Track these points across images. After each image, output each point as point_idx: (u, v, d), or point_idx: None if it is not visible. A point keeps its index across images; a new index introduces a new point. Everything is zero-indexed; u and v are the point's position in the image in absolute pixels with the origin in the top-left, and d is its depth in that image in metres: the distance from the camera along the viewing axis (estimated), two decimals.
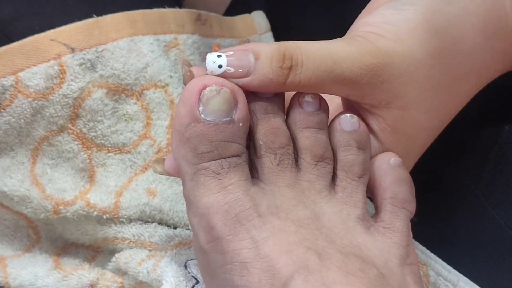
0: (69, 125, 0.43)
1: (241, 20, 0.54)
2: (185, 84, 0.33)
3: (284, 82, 0.32)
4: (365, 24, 0.34)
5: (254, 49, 0.32)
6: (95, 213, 0.43)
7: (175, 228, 0.44)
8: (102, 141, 0.44)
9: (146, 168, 0.45)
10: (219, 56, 0.32)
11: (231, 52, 0.32)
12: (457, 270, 0.41)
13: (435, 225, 0.43)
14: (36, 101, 0.42)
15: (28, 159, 0.43)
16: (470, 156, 0.43)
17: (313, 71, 0.32)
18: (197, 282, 0.37)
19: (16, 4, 0.44)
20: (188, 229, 0.44)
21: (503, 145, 0.40)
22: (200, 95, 0.31)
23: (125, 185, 0.44)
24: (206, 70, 0.32)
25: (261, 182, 0.33)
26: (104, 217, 0.43)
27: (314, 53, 0.32)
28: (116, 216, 0.43)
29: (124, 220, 0.44)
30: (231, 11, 0.58)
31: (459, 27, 0.34)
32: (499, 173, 0.40)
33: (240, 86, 0.32)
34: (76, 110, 0.43)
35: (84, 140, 0.43)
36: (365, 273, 0.30)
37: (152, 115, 0.45)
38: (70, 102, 0.42)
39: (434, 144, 0.37)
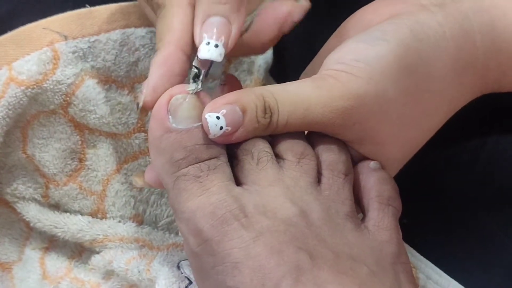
0: (61, 111, 0.42)
1: None
2: None
3: (266, 129, 0.33)
4: (337, 61, 0.34)
5: (239, 103, 0.32)
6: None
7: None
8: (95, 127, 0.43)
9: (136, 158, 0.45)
10: (217, 117, 0.32)
11: (225, 111, 0.32)
12: (447, 274, 0.41)
13: (425, 228, 0.44)
14: (29, 90, 0.41)
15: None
16: (460, 160, 0.43)
17: (288, 117, 0.32)
18: (190, 282, 0.37)
19: (13, 1, 0.44)
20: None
21: (494, 148, 0.41)
22: (168, 106, 0.32)
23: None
24: (209, 133, 0.32)
25: (244, 185, 0.32)
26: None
27: (288, 100, 0.32)
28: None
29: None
30: None
31: (430, 65, 0.35)
32: (490, 176, 0.41)
33: (231, 141, 0.32)
34: (68, 98, 0.42)
35: (76, 123, 0.43)
36: (356, 272, 0.30)
37: None
38: (63, 89, 0.42)
39: (424, 148, 0.37)
